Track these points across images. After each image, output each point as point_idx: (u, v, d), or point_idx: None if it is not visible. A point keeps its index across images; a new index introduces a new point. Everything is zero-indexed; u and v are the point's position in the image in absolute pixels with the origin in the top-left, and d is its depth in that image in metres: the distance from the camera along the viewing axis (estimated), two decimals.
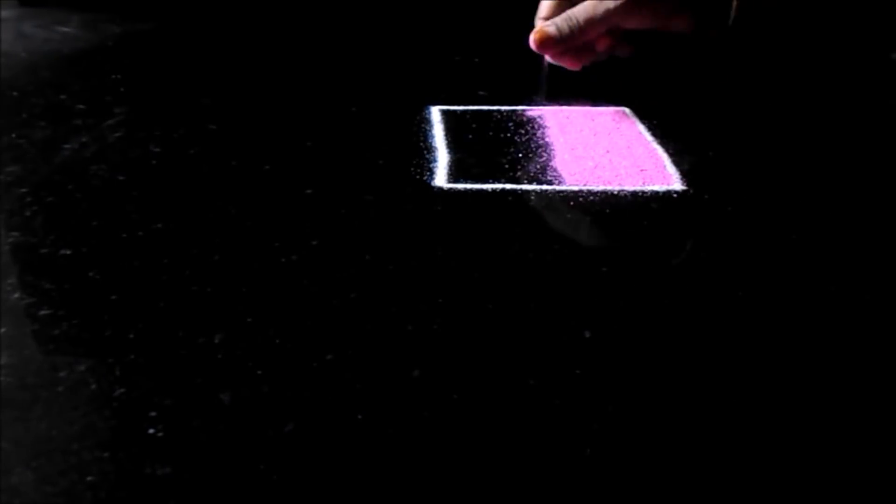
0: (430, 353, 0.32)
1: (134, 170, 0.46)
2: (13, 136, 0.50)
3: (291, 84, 0.61)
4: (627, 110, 0.55)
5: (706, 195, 0.44)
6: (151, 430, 0.28)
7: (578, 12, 0.53)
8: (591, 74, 0.58)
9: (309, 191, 0.44)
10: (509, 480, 0.27)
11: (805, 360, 0.33)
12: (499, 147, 0.49)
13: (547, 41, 0.53)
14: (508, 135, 0.50)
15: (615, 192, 0.44)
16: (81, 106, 0.54)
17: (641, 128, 0.52)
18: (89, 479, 0.26)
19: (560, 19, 0.53)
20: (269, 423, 0.29)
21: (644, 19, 0.54)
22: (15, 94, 0.57)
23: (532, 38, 0.54)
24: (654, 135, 0.51)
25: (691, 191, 0.45)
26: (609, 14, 0.53)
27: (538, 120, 0.53)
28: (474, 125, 0.52)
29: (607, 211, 0.43)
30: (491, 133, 0.51)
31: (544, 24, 0.54)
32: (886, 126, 0.55)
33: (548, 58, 0.55)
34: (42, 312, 0.34)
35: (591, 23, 0.53)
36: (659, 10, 0.54)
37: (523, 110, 0.54)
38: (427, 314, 0.34)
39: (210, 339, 0.32)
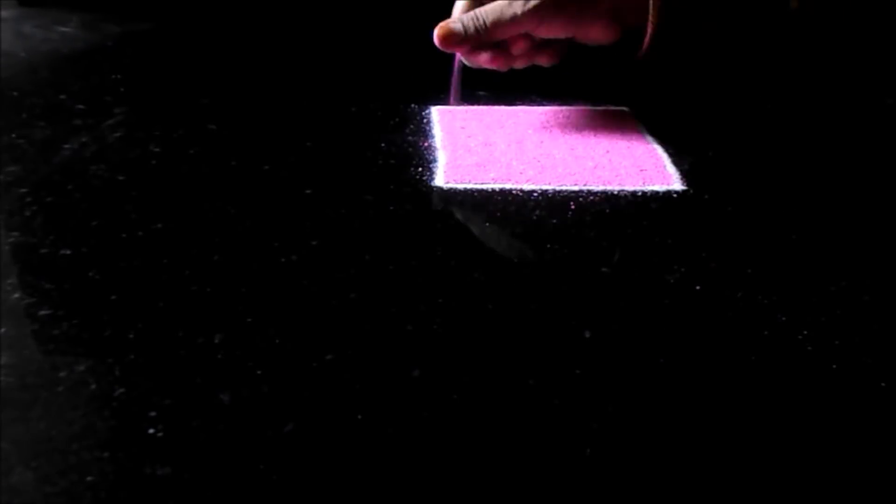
0: (430, 353, 0.32)
1: (134, 170, 0.46)
2: (13, 136, 0.50)
3: (291, 84, 0.61)
4: (627, 110, 0.55)
5: (706, 195, 0.44)
6: (151, 430, 0.28)
7: (486, 13, 0.50)
8: (586, 74, 0.57)
9: (309, 191, 0.44)
10: (509, 480, 0.27)
11: (805, 359, 0.33)
12: (498, 147, 0.49)
13: (450, 37, 0.50)
14: (508, 134, 0.50)
15: (615, 192, 0.44)
16: (81, 106, 0.54)
17: (641, 128, 0.52)
18: (89, 479, 0.26)
19: (467, 17, 0.50)
20: (269, 423, 0.29)
21: (557, 28, 0.50)
22: (15, 94, 0.57)
23: (435, 34, 0.51)
24: (654, 135, 0.51)
25: (691, 191, 0.45)
26: (517, 19, 0.49)
27: (538, 119, 0.53)
28: (474, 125, 0.52)
29: (607, 211, 0.43)
30: (491, 133, 0.51)
31: (450, 20, 0.51)
32: (886, 126, 0.55)
33: (459, 56, 0.53)
34: (42, 312, 0.34)
35: (497, 25, 0.49)
36: (575, 18, 0.50)
37: (523, 110, 0.54)
38: (427, 314, 0.34)
39: (210, 339, 0.32)
